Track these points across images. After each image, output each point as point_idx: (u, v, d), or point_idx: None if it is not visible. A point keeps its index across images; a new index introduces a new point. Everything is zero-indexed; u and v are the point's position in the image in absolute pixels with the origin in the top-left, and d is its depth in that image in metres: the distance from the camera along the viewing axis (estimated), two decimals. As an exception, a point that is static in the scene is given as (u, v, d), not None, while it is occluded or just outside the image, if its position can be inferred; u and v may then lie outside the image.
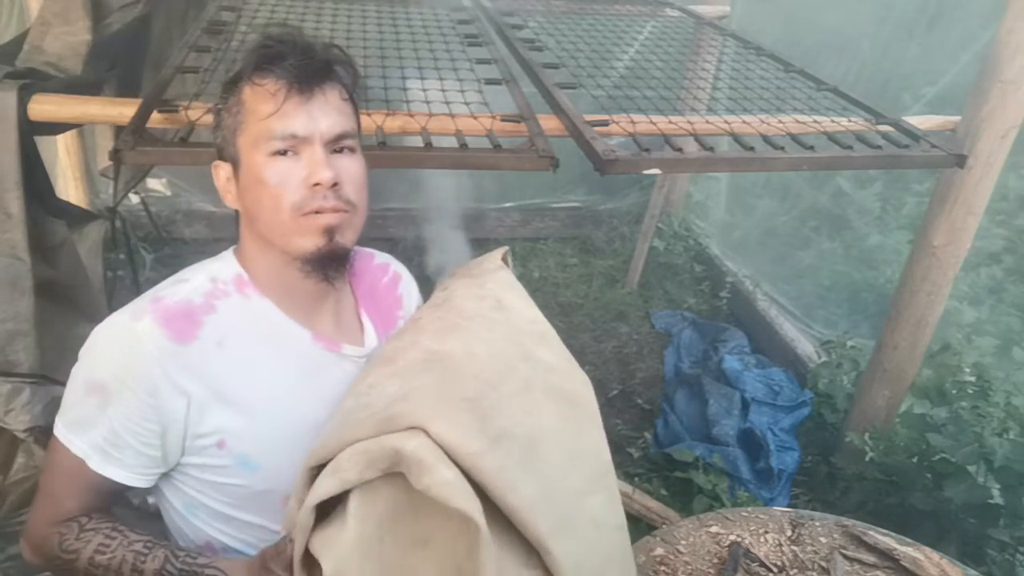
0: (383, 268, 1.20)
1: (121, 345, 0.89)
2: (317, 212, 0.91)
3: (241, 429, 0.93)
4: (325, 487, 0.76)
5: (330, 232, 0.93)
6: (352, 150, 0.96)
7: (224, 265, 1.00)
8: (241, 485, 0.96)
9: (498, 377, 0.87)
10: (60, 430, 0.93)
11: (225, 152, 0.96)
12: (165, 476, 0.97)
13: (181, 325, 0.91)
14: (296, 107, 0.90)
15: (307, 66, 0.90)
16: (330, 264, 0.97)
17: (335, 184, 0.91)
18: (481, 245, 3.77)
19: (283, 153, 0.91)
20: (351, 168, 0.95)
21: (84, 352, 0.92)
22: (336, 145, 0.94)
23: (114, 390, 0.89)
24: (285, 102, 0.89)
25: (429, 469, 0.72)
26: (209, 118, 1.31)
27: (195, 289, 0.95)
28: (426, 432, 0.75)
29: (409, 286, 1.22)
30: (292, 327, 0.99)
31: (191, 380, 0.90)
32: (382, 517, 0.76)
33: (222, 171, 0.98)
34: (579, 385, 0.97)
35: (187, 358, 0.90)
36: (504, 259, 1.18)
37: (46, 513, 0.95)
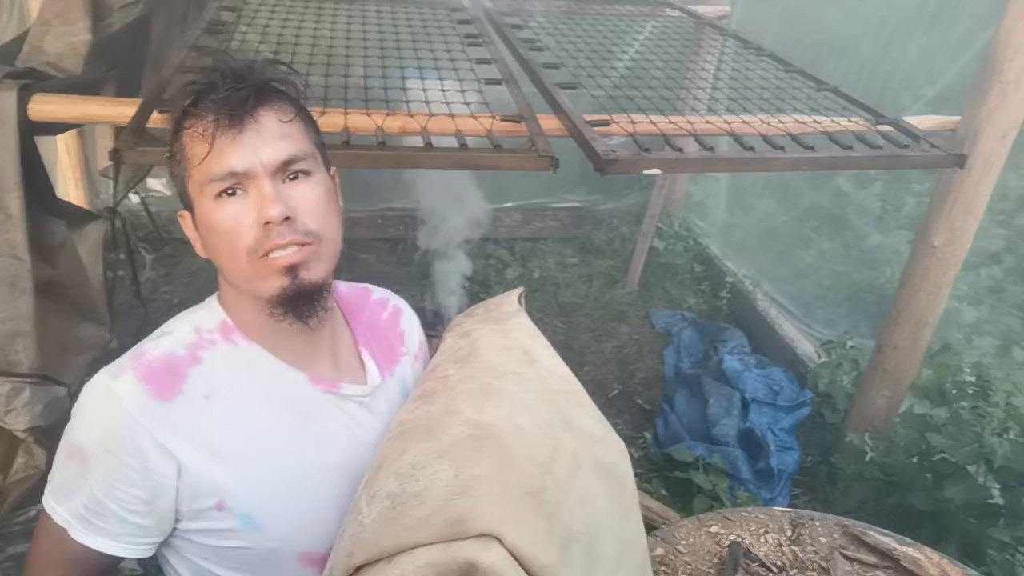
0: (382, 303, 1.14)
1: (100, 407, 0.85)
2: (275, 250, 0.84)
3: (239, 487, 0.87)
4: None
5: (293, 270, 0.86)
6: (308, 173, 0.88)
7: (208, 313, 0.94)
8: (248, 547, 0.90)
9: (549, 456, 0.82)
10: (47, 498, 0.88)
11: (184, 202, 0.90)
12: (166, 543, 0.92)
13: (163, 380, 0.86)
14: (230, 143, 0.83)
15: (232, 96, 0.83)
16: (301, 303, 0.88)
17: (287, 218, 0.84)
18: (481, 245, 3.77)
19: (231, 193, 0.84)
20: (308, 195, 0.87)
21: (72, 414, 0.87)
22: (287, 172, 0.86)
23: (93, 455, 0.84)
24: (216, 140, 0.82)
25: None
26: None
27: (178, 341, 0.90)
28: (499, 540, 0.70)
29: (411, 321, 1.17)
30: (285, 371, 0.93)
31: (178, 440, 0.85)
32: None
33: (187, 220, 0.91)
34: (618, 456, 0.93)
35: (171, 415, 0.85)
36: (519, 300, 1.14)
37: None
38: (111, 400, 0.84)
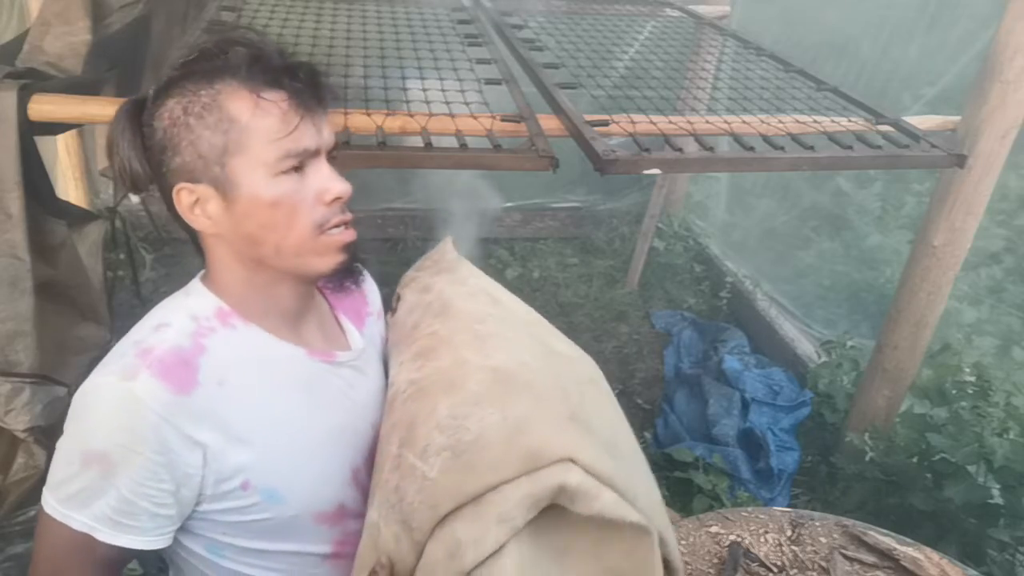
0: None
1: (119, 410, 0.83)
2: (334, 228, 0.91)
3: (261, 464, 0.90)
4: (496, 536, 0.76)
5: (350, 248, 0.94)
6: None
7: (200, 299, 0.95)
8: (270, 518, 0.93)
9: (559, 382, 0.90)
10: (53, 507, 0.85)
11: (204, 174, 0.87)
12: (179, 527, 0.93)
13: (179, 374, 0.85)
14: (307, 123, 0.88)
15: (312, 78, 0.89)
16: (345, 276, 0.98)
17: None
18: (482, 246, 3.77)
19: (295, 170, 0.88)
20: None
21: (72, 420, 0.85)
22: (330, 156, 0.93)
23: (119, 458, 0.82)
24: (302, 119, 0.87)
25: (597, 496, 0.78)
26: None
27: (180, 332, 0.89)
28: (573, 461, 0.78)
29: (370, 282, 1.22)
30: (285, 348, 0.96)
31: (203, 429, 0.86)
32: (527, 539, 0.79)
33: (189, 195, 0.88)
34: (596, 370, 1.01)
35: (194, 407, 0.86)
36: (454, 246, 1.21)
37: None
38: (131, 401, 0.83)
